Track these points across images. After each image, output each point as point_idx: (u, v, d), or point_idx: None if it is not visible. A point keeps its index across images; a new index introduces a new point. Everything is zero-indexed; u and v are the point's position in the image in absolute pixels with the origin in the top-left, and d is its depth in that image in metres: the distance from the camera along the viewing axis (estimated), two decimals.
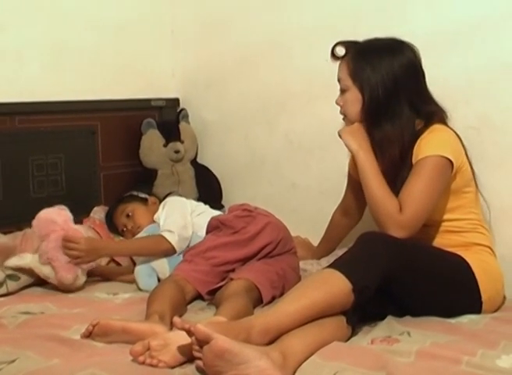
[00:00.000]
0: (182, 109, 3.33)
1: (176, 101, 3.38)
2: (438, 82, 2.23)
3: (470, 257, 2.08)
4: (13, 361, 1.73)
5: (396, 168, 2.13)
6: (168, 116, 3.32)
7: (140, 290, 2.42)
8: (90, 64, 3.07)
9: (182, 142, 3.21)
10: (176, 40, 3.38)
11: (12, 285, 2.36)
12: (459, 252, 2.09)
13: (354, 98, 2.16)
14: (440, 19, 2.46)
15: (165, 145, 3.17)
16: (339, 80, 2.22)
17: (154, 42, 3.34)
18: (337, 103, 2.24)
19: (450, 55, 2.43)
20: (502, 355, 1.72)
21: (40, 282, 2.42)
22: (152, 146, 3.17)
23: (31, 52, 2.88)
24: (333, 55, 2.23)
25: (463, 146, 2.18)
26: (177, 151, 3.18)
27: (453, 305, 2.04)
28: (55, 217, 2.42)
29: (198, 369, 1.67)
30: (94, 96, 3.05)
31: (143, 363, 1.69)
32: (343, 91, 2.21)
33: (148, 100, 3.27)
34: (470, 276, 2.05)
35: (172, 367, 1.70)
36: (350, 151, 2.19)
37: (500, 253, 2.23)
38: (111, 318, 1.93)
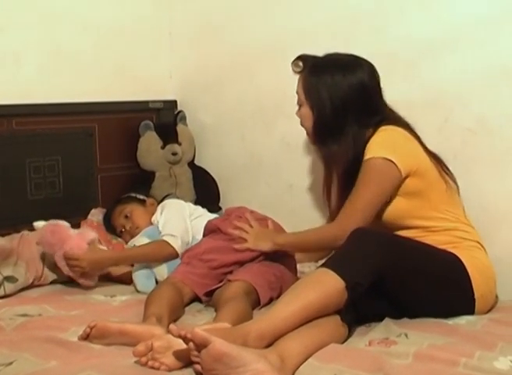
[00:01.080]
0: (179, 111, 3.33)
1: (174, 103, 3.38)
2: (435, 85, 2.24)
3: (462, 254, 2.08)
4: (11, 363, 1.73)
5: (352, 174, 2.15)
6: (165, 118, 3.32)
7: (137, 291, 2.43)
8: (87, 66, 3.06)
9: (179, 144, 3.21)
10: (173, 42, 3.38)
11: (9, 287, 2.36)
12: (450, 250, 2.09)
13: (307, 114, 2.24)
14: (437, 23, 2.46)
15: (163, 147, 3.17)
16: (296, 94, 2.26)
17: (152, 44, 3.34)
18: (297, 115, 2.30)
19: (448, 58, 2.43)
20: (499, 356, 1.72)
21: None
22: (150, 148, 3.17)
23: (29, 54, 2.88)
24: (293, 70, 2.27)
25: (424, 146, 2.17)
26: (175, 153, 3.18)
27: (446, 301, 2.04)
28: (62, 231, 2.43)
29: (196, 373, 1.67)
30: (91, 98, 3.04)
31: (145, 364, 1.70)
32: (299, 106, 2.27)
33: (146, 102, 3.27)
34: (463, 273, 2.05)
35: (173, 370, 1.70)
36: (270, 250, 2.27)
37: (497, 256, 2.23)
38: (108, 320, 1.93)
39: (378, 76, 2.21)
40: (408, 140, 2.16)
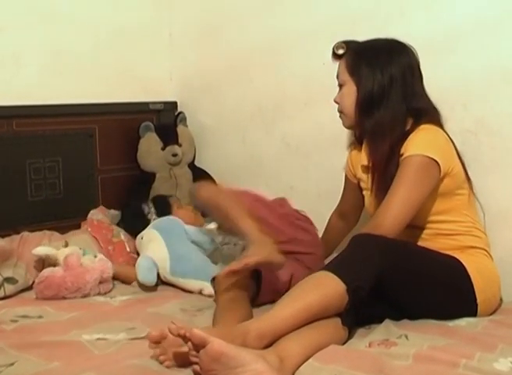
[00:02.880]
0: (179, 113, 3.33)
1: (174, 104, 3.39)
2: (435, 85, 2.24)
3: (465, 259, 2.08)
4: (12, 364, 1.73)
5: (385, 163, 2.13)
6: (166, 120, 3.32)
7: (138, 282, 2.44)
8: (87, 68, 3.07)
9: (180, 145, 3.21)
10: (173, 43, 3.39)
11: (9, 288, 2.36)
12: (454, 255, 2.09)
13: (350, 90, 2.19)
14: (438, 23, 2.46)
15: (163, 148, 3.18)
16: (337, 77, 2.25)
17: (152, 46, 3.34)
18: (335, 101, 2.27)
19: (448, 59, 2.43)
20: (499, 358, 1.72)
21: None
22: (150, 149, 3.17)
23: (29, 56, 2.88)
24: (334, 54, 2.25)
25: (455, 148, 2.17)
26: (175, 155, 3.18)
27: (448, 306, 2.04)
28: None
29: (195, 373, 1.66)
30: (91, 99, 3.04)
31: (154, 352, 1.71)
32: (340, 87, 2.24)
33: (146, 103, 3.27)
34: (465, 277, 2.05)
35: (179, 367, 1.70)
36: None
37: (497, 256, 2.23)
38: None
39: (419, 61, 2.21)
40: (447, 141, 2.15)
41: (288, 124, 3.00)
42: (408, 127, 2.15)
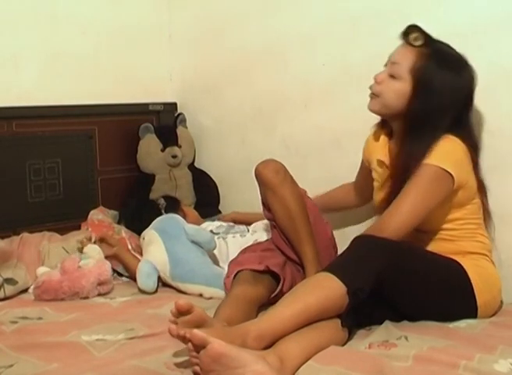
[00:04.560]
0: (179, 114, 3.33)
1: (174, 105, 3.38)
2: None
3: (465, 262, 2.08)
4: (11, 365, 1.73)
5: (409, 168, 2.09)
6: (165, 121, 3.32)
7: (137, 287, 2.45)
8: (87, 69, 3.07)
9: (179, 147, 3.22)
10: (173, 44, 3.39)
11: (9, 289, 2.36)
12: (455, 258, 2.09)
13: (404, 90, 2.11)
14: (438, 25, 2.45)
15: (163, 150, 3.18)
16: (393, 62, 2.15)
17: (152, 47, 3.34)
18: (376, 79, 2.18)
19: None
20: (499, 359, 1.72)
21: None
22: (150, 151, 3.17)
23: (28, 57, 2.89)
24: (406, 37, 2.13)
25: (475, 159, 2.15)
26: (175, 156, 3.18)
27: (448, 308, 2.04)
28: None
29: (195, 374, 1.66)
30: (91, 100, 3.05)
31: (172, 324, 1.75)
32: (391, 75, 2.14)
33: (146, 104, 3.27)
34: (465, 280, 2.05)
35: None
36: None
37: (500, 259, 2.24)
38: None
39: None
40: (466, 155, 2.11)
41: (288, 126, 3.00)
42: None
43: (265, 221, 2.60)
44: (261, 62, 3.04)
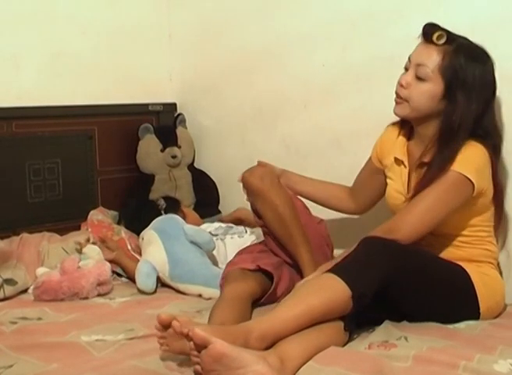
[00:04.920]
0: (179, 114, 3.33)
1: (174, 105, 3.38)
2: None
3: (470, 268, 2.07)
4: (11, 366, 1.73)
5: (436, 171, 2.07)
6: (165, 121, 3.32)
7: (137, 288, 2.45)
8: (87, 69, 3.07)
9: (179, 147, 3.21)
10: (173, 45, 3.39)
11: (9, 290, 2.36)
12: (460, 263, 2.08)
13: (435, 92, 2.05)
14: None
15: (162, 150, 3.18)
16: (418, 64, 2.07)
17: (152, 47, 3.34)
18: (402, 83, 2.10)
19: None
20: (499, 359, 1.72)
21: None
22: (149, 151, 3.17)
23: (28, 57, 2.88)
24: (428, 38, 2.07)
25: (495, 166, 2.11)
26: (174, 156, 3.18)
27: (451, 313, 2.03)
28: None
29: (196, 374, 1.66)
30: (91, 101, 3.05)
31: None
32: (418, 77, 2.07)
33: (145, 105, 3.27)
34: (469, 285, 2.04)
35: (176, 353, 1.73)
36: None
37: (502, 260, 2.25)
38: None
39: None
40: (488, 162, 2.08)
41: (287, 126, 3.00)
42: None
43: None
44: (261, 62, 3.04)
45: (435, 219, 2.02)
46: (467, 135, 2.04)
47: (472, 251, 2.12)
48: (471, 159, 2.03)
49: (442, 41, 2.04)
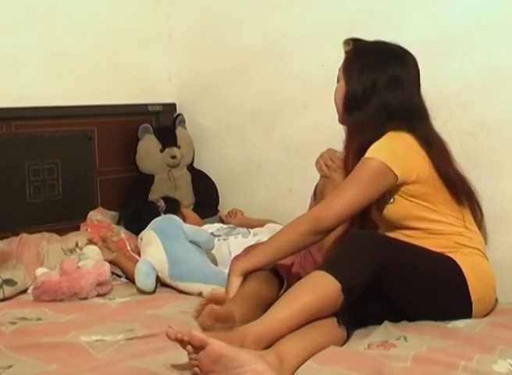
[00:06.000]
0: (178, 114, 3.33)
1: (173, 106, 3.39)
2: (434, 87, 2.24)
3: (460, 259, 2.07)
4: (10, 366, 1.73)
5: (351, 160, 2.16)
6: (164, 121, 3.32)
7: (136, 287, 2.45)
8: (86, 69, 3.07)
9: (178, 147, 3.22)
10: (172, 45, 3.39)
11: (8, 290, 2.36)
12: (448, 254, 2.08)
13: (341, 87, 2.24)
14: (437, 26, 2.47)
15: (162, 151, 3.18)
16: (339, 70, 2.27)
17: (151, 47, 3.34)
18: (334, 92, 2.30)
19: (447, 61, 2.43)
20: (498, 359, 1.72)
21: None
22: (149, 151, 3.18)
23: (27, 57, 2.89)
24: (344, 47, 2.28)
25: (430, 157, 2.12)
26: (174, 157, 3.18)
27: (443, 304, 2.04)
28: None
29: None
30: (90, 101, 3.05)
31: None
32: (337, 82, 2.28)
33: (145, 105, 3.27)
34: (459, 276, 2.04)
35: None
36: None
37: (496, 258, 2.23)
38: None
39: (417, 73, 2.21)
40: (410, 148, 2.12)
41: (287, 126, 3.00)
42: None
43: (268, 225, 2.62)
44: (260, 62, 3.04)
45: (357, 208, 2.09)
46: (379, 125, 2.13)
47: (454, 238, 2.12)
48: (388, 146, 2.10)
49: (347, 47, 2.26)
